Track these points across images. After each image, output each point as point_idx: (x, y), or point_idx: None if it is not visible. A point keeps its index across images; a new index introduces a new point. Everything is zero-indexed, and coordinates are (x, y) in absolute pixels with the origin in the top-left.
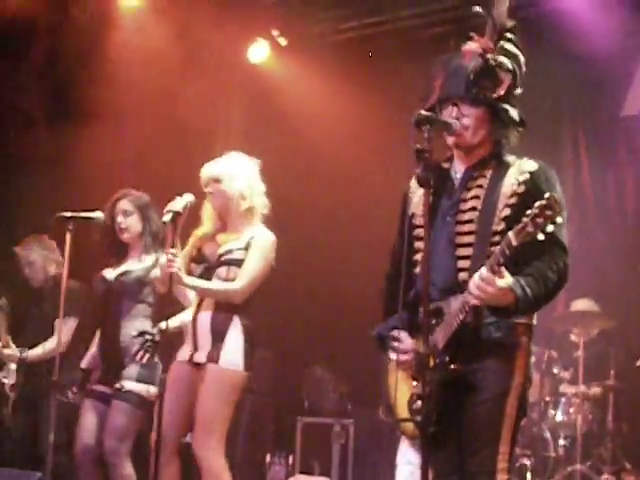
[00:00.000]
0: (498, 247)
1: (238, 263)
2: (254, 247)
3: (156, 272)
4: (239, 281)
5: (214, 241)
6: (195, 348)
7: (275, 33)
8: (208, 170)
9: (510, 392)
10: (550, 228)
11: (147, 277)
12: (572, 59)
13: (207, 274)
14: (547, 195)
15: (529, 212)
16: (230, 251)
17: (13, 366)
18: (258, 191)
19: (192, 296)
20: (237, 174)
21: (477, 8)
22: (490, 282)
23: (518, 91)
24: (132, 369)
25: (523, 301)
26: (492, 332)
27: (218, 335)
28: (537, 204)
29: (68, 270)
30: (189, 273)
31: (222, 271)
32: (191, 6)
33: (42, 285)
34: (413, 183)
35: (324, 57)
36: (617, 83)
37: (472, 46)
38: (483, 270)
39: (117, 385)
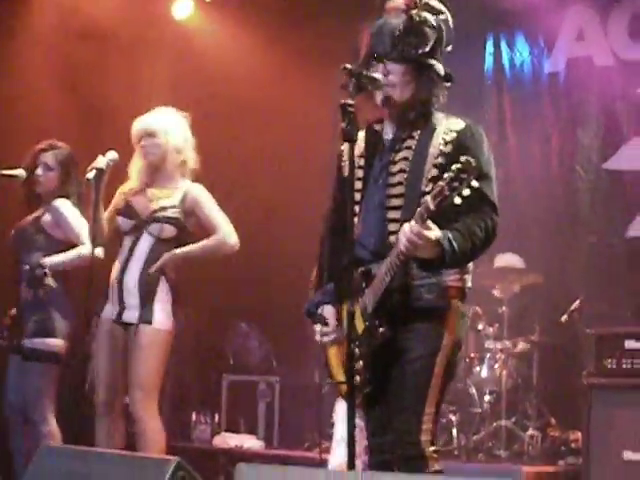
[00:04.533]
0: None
1: (172, 221)
2: (200, 199)
3: (46, 218)
4: (221, 231)
5: (144, 195)
6: (122, 307)
7: None
8: (141, 124)
9: (438, 353)
10: (466, 192)
11: (39, 224)
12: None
13: (137, 230)
14: (462, 159)
15: (445, 175)
16: (164, 208)
17: None
18: (190, 145)
19: (84, 236)
20: (172, 128)
21: None
22: (418, 234)
23: (448, 49)
24: (30, 324)
25: (450, 254)
26: (422, 294)
27: (148, 295)
28: (453, 167)
29: None
30: (117, 227)
31: (155, 228)
32: None
33: None
34: (345, 147)
35: (247, 12)
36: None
37: (396, 2)
38: (412, 222)
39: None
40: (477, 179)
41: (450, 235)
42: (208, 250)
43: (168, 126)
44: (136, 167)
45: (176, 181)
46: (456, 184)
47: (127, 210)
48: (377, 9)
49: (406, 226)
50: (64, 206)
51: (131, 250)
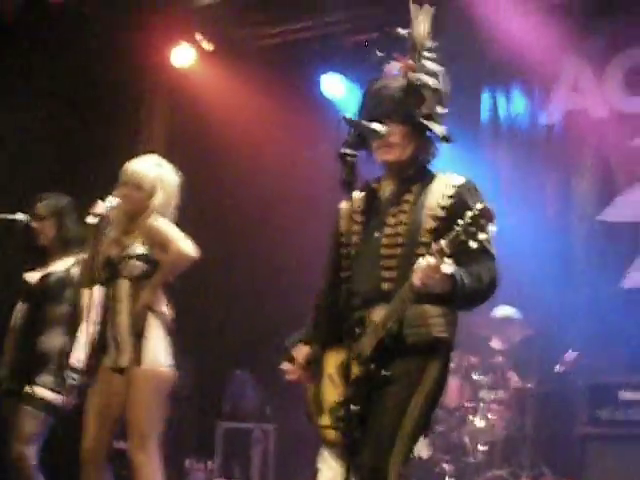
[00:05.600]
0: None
1: (139, 257)
2: (157, 226)
3: (75, 271)
4: (176, 244)
5: (119, 244)
6: (117, 352)
7: (199, 37)
8: (130, 172)
9: (413, 401)
10: (483, 236)
11: (68, 278)
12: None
13: (113, 275)
14: (480, 205)
15: (461, 222)
16: (129, 247)
17: None
18: (172, 206)
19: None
20: (159, 188)
21: (399, 30)
22: (436, 267)
23: (443, 110)
24: (46, 377)
25: (460, 289)
26: (412, 342)
27: (137, 335)
28: (470, 213)
29: None
30: (100, 279)
31: (126, 268)
32: (113, 8)
33: None
34: (344, 204)
35: (249, 62)
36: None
37: (395, 66)
38: (429, 257)
39: (27, 389)
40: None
41: (463, 273)
42: (168, 268)
43: (157, 186)
44: (118, 211)
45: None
46: (473, 229)
47: (105, 262)
48: (377, 59)
49: (422, 260)
50: None
51: (114, 297)
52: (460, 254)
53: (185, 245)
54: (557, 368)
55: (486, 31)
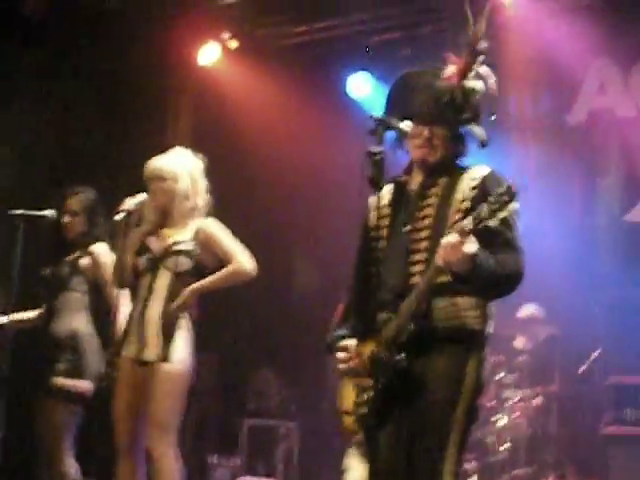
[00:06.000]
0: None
1: (186, 254)
2: (212, 231)
3: (84, 261)
4: (237, 258)
5: (157, 235)
6: (142, 345)
7: (226, 36)
8: (152, 167)
9: (460, 397)
10: (503, 214)
11: (75, 266)
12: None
13: (152, 265)
14: (505, 184)
15: (486, 200)
16: (177, 242)
17: None
18: (201, 190)
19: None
20: (181, 173)
21: (464, 38)
22: (458, 245)
23: (492, 118)
24: (60, 364)
25: (481, 269)
26: (445, 335)
27: (168, 333)
28: (495, 192)
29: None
30: (135, 267)
31: (171, 262)
32: (140, 7)
33: None
34: (374, 198)
35: (274, 60)
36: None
37: (451, 70)
38: (453, 234)
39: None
40: (508, 221)
41: (486, 254)
42: (226, 279)
43: (178, 171)
44: (149, 209)
45: (186, 222)
46: (496, 207)
47: (142, 249)
48: (405, 60)
49: (445, 238)
50: (103, 251)
51: (150, 288)
52: (488, 245)
53: (248, 261)
54: (582, 368)
55: (514, 30)
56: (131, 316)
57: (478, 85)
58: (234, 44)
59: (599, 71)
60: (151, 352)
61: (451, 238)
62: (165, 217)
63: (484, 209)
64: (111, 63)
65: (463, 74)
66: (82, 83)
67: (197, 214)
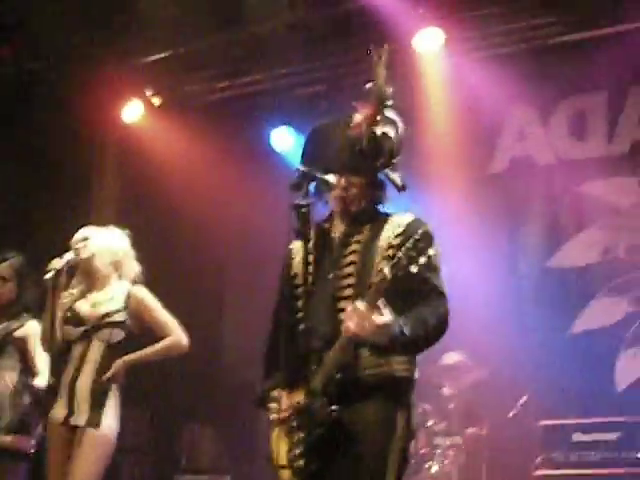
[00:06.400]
0: (374, 286)
1: (120, 325)
2: (145, 301)
3: (20, 332)
4: (173, 333)
5: (86, 301)
6: (71, 411)
7: (149, 93)
8: (80, 232)
9: (392, 444)
10: (422, 260)
11: (9, 337)
12: None
13: (87, 336)
14: (420, 231)
15: (403, 248)
16: (109, 314)
17: None
18: (128, 254)
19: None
20: (104, 234)
21: (369, 85)
22: (366, 317)
23: (398, 158)
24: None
25: (400, 340)
26: (374, 383)
27: (98, 400)
28: (411, 240)
29: None
30: (64, 335)
31: (105, 334)
32: (62, 65)
33: None
34: (294, 245)
35: (198, 116)
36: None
37: (359, 118)
38: (358, 303)
39: None
40: (428, 266)
41: (402, 321)
42: (161, 352)
43: (101, 232)
44: (75, 278)
45: (112, 281)
46: (413, 253)
47: (73, 318)
48: (323, 112)
49: (350, 308)
50: (34, 330)
51: (82, 357)
52: (409, 292)
53: (183, 336)
54: (511, 413)
55: (433, 78)
56: (60, 382)
57: (388, 130)
58: (157, 101)
59: (518, 118)
60: (81, 417)
61: (356, 306)
62: (90, 279)
63: (402, 256)
64: (34, 126)
65: (372, 120)
66: (3, 143)
67: (121, 272)
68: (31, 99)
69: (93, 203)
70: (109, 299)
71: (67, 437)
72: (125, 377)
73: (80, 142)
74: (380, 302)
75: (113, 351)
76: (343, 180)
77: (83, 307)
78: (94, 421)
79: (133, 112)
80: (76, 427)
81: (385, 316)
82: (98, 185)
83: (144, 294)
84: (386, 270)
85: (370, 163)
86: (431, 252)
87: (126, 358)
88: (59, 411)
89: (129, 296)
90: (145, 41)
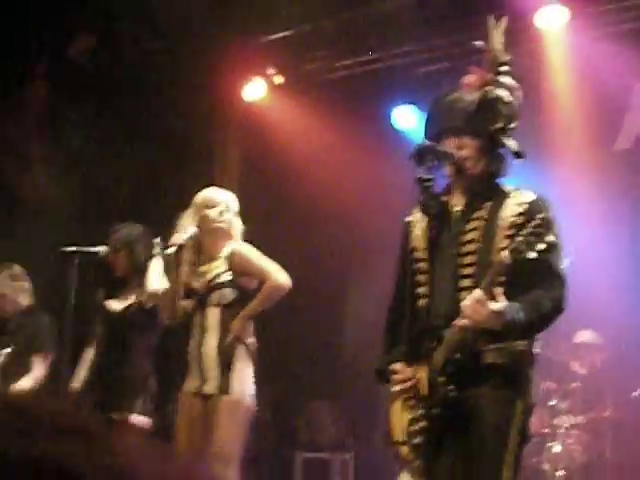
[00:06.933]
0: (491, 269)
1: (228, 284)
2: (242, 253)
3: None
4: (271, 276)
5: (198, 273)
6: (203, 380)
7: (271, 72)
8: (201, 197)
9: (512, 420)
10: (541, 246)
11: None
12: None
13: (200, 305)
14: (540, 216)
15: (522, 232)
16: (217, 276)
17: None
18: (237, 218)
19: None
20: (230, 201)
21: (478, 42)
22: (483, 304)
23: (515, 124)
24: (137, 402)
25: (513, 326)
26: (493, 358)
27: (225, 364)
28: (530, 224)
29: (39, 302)
30: (184, 310)
31: (216, 296)
32: (184, 46)
33: (12, 317)
34: (413, 216)
35: (320, 94)
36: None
37: (471, 79)
38: (477, 291)
39: (117, 416)
40: (547, 251)
41: (516, 306)
42: (266, 298)
43: (227, 199)
44: (189, 245)
45: (222, 249)
46: (532, 239)
47: (187, 292)
48: (447, 89)
49: (470, 297)
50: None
51: (202, 326)
52: (525, 271)
53: (281, 276)
54: (635, 393)
55: (557, 57)
56: (189, 352)
57: (503, 94)
58: (279, 79)
59: None
60: (211, 385)
61: (476, 295)
62: (201, 254)
63: (521, 241)
64: (158, 104)
65: (485, 83)
66: (127, 123)
67: (233, 239)
68: (154, 78)
69: (215, 178)
70: (216, 264)
71: (200, 407)
72: (255, 340)
73: (203, 120)
74: (496, 288)
75: (229, 312)
76: (457, 141)
77: (195, 278)
78: (224, 387)
79: (255, 91)
80: (209, 396)
81: (500, 303)
82: (220, 162)
83: (242, 247)
84: (504, 256)
85: (484, 125)
86: (550, 238)
87: (240, 315)
88: (191, 382)
89: (231, 254)
90: (267, 19)
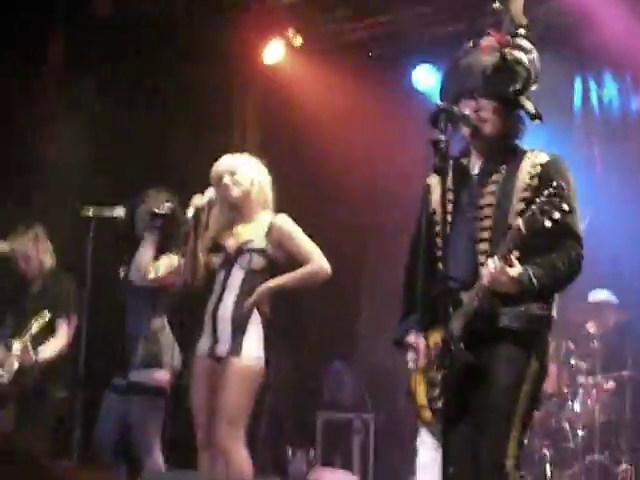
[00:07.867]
0: (508, 236)
1: (260, 252)
2: (286, 229)
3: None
4: (315, 259)
5: (230, 233)
6: (215, 340)
7: (290, 33)
8: (222, 163)
9: (524, 381)
10: (557, 215)
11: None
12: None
13: (227, 263)
14: (554, 183)
15: (538, 200)
16: (250, 240)
17: (15, 365)
18: (269, 184)
19: None
20: (251, 166)
21: (496, 4)
22: (502, 271)
23: (533, 87)
24: (137, 356)
25: (529, 290)
26: (509, 322)
27: (239, 327)
28: (545, 192)
29: (59, 263)
30: (208, 265)
31: (244, 259)
32: (204, 8)
33: (37, 279)
34: (431, 180)
35: (338, 56)
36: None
37: (490, 41)
38: (496, 258)
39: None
40: (563, 217)
41: (531, 271)
42: (304, 279)
43: (248, 164)
44: (219, 206)
45: (257, 214)
46: (547, 207)
47: (216, 247)
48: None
49: (490, 262)
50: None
51: (223, 283)
52: (541, 235)
53: (325, 263)
54: None
55: (578, 17)
56: (205, 312)
57: (521, 56)
58: (298, 41)
59: None
60: (223, 347)
61: (494, 263)
62: (235, 213)
63: (537, 210)
64: (177, 65)
65: (503, 44)
66: (146, 83)
67: (268, 206)
68: (173, 39)
69: (234, 142)
70: (252, 229)
71: (212, 369)
72: (268, 308)
73: (223, 82)
74: (512, 254)
75: (253, 278)
76: (474, 103)
77: (227, 237)
78: (236, 350)
79: (274, 53)
80: (220, 358)
81: (516, 268)
82: (240, 124)
83: (286, 221)
84: (520, 223)
85: (501, 87)
86: (565, 207)
87: (269, 283)
88: (204, 343)
89: (272, 224)
90: None
